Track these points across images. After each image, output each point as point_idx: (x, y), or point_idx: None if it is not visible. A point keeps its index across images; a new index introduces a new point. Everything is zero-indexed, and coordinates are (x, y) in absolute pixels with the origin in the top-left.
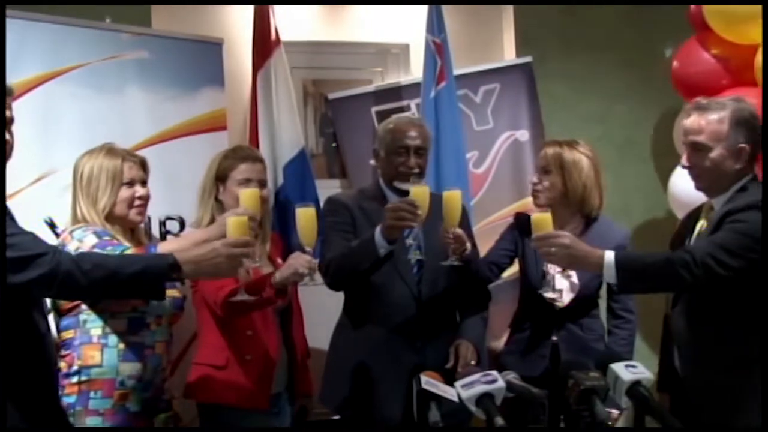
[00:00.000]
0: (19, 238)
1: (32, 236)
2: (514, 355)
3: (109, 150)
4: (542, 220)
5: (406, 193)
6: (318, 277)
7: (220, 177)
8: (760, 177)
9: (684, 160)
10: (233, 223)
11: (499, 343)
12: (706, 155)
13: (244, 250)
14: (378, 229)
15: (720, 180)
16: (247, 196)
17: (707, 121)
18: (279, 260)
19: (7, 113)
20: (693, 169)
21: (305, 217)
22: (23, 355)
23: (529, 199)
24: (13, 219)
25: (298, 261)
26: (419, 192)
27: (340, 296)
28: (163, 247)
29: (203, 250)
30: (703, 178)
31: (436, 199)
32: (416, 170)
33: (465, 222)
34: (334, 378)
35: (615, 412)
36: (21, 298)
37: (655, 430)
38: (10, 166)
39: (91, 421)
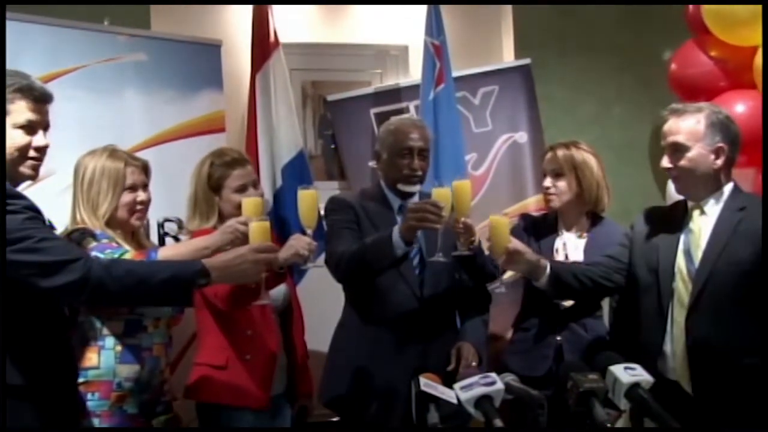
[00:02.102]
0: (51, 243)
1: (65, 242)
2: (518, 355)
3: (112, 153)
4: (501, 223)
5: (408, 195)
6: (319, 260)
7: (214, 187)
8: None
9: (665, 162)
10: (257, 229)
11: (508, 334)
12: (684, 155)
13: (269, 256)
14: (396, 229)
15: (700, 181)
16: (250, 205)
17: (684, 122)
18: None
19: (41, 118)
20: (673, 170)
21: (306, 199)
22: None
23: (529, 201)
24: (46, 224)
25: (299, 242)
26: (442, 193)
27: (339, 297)
28: (162, 253)
29: (230, 256)
30: (683, 179)
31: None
32: (419, 172)
33: None
34: (334, 378)
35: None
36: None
37: (656, 431)
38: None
39: (89, 423)
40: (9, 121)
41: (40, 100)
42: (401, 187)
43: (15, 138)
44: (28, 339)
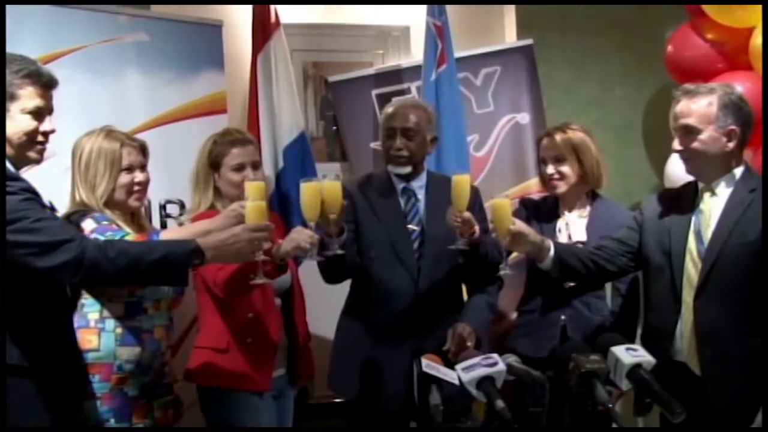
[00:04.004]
0: (46, 223)
1: (60, 222)
2: (523, 337)
3: (108, 133)
4: (502, 205)
5: (406, 177)
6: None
7: (213, 164)
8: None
9: (675, 144)
10: (252, 209)
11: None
12: (696, 137)
13: (264, 235)
14: None
15: (711, 163)
16: (253, 188)
17: (696, 104)
18: (280, 241)
19: (48, 104)
20: (684, 153)
21: (308, 191)
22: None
23: (530, 182)
24: (43, 205)
25: (301, 235)
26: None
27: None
28: (165, 236)
29: (224, 235)
30: (694, 162)
31: (443, 182)
32: (404, 152)
33: (478, 204)
34: (340, 363)
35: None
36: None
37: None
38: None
39: (89, 405)
40: (17, 106)
41: (47, 85)
42: (390, 168)
43: (23, 123)
44: (32, 320)
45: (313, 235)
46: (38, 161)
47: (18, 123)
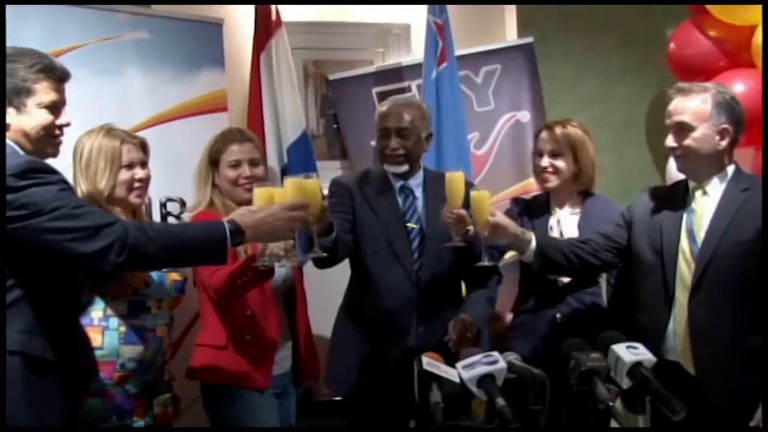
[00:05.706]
0: (86, 209)
1: (98, 209)
2: (519, 338)
3: (108, 131)
4: (481, 197)
5: (397, 176)
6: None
7: (212, 161)
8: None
9: (669, 141)
10: (292, 185)
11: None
12: (689, 135)
13: (302, 213)
14: None
15: (704, 161)
16: (261, 194)
17: (690, 102)
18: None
19: (62, 97)
20: (678, 150)
21: (261, 196)
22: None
23: (531, 180)
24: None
25: (275, 242)
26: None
27: (344, 280)
28: None
29: (263, 214)
30: (686, 159)
31: (440, 180)
32: (400, 151)
33: None
34: (336, 361)
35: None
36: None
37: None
38: None
39: (91, 402)
40: (33, 101)
41: (62, 79)
42: (386, 167)
43: (40, 118)
44: (59, 316)
45: (286, 241)
46: (55, 155)
47: (35, 118)
